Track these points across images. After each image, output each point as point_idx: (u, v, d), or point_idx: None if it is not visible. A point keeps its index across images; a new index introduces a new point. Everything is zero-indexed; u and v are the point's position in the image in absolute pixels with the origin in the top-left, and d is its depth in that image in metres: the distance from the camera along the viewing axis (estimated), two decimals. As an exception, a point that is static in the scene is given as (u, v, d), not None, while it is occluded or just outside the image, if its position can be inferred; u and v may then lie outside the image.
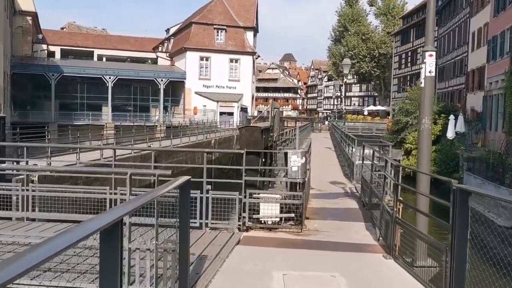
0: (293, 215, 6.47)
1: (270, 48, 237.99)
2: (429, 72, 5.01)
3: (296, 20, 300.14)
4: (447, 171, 29.46)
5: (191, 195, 6.63)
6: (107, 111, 47.11)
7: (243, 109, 54.27)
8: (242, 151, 6.26)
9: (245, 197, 6.52)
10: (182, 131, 27.89)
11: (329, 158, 19.81)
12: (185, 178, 3.43)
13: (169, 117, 50.18)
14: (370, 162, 8.41)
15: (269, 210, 6.38)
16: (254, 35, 56.48)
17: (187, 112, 51.72)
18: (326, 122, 65.78)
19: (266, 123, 8.22)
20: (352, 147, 14.67)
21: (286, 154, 6.31)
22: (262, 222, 6.53)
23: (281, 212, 6.46)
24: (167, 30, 67.42)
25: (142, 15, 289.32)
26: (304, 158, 6.21)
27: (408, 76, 57.10)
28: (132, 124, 35.33)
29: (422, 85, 5.08)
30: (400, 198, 6.15)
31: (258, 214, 6.49)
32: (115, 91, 48.04)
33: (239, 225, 6.49)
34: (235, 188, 6.59)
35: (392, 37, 64.47)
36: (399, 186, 5.22)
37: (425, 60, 5.04)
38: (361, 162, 11.98)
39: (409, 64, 58.34)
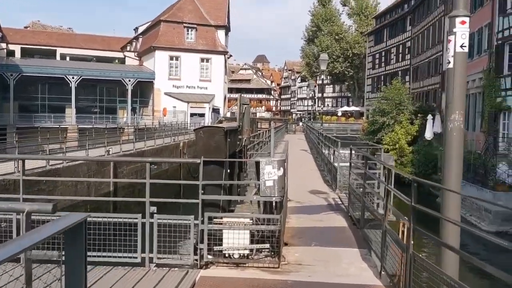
0: (267, 245, 4.86)
1: (243, 49, 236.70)
2: (461, 46, 3.48)
3: (269, 21, 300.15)
4: (426, 172, 28.52)
5: (129, 220, 5.04)
6: (70, 113, 44.68)
7: (215, 110, 52.58)
8: (198, 160, 4.66)
9: (203, 222, 4.87)
10: (150, 134, 26.14)
11: (307, 162, 18.20)
12: (72, 218, 1.83)
13: (137, 119, 48.11)
14: (360, 170, 6.95)
15: (236, 239, 4.76)
16: (226, 34, 54.88)
17: (157, 114, 49.72)
18: (301, 123, 64.72)
19: (233, 124, 6.67)
20: (334, 150, 13.12)
21: (258, 163, 4.74)
22: (227, 255, 4.86)
23: (252, 241, 4.84)
24: (136, 29, 65.14)
25: (111, 14, 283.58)
26: (281, 168, 4.72)
27: (382, 76, 56.52)
28: (98, 126, 33.41)
29: (450, 65, 3.52)
30: (406, 218, 4.65)
31: (221, 244, 4.85)
32: (79, 92, 45.77)
33: (195, 260, 4.80)
34: (190, 210, 4.98)
35: (366, 37, 63.94)
36: (415, 208, 3.68)
37: (454, 30, 3.48)
38: (347, 167, 10.55)
39: (382, 64, 57.79)
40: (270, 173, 4.50)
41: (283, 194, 4.77)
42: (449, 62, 3.49)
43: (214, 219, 4.90)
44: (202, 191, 4.81)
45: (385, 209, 4.78)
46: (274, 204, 4.83)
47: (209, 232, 4.80)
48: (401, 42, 52.16)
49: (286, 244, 5.74)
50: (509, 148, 22.13)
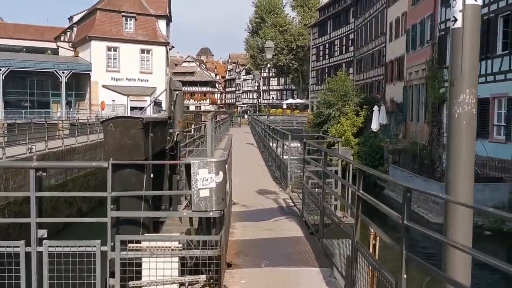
0: (203, 276, 3.61)
1: (186, 42, 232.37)
2: (474, -3, 2.38)
3: (213, 13, 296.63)
4: (373, 164, 28.34)
5: (6, 250, 3.62)
6: (-2, 107, 41.17)
7: (157, 104, 50.40)
8: (104, 164, 3.36)
9: (113, 248, 3.58)
10: (84, 129, 24.09)
11: (253, 157, 17.21)
12: None
13: (73, 113, 45.17)
14: (315, 168, 5.89)
15: (161, 269, 3.49)
16: (167, 25, 52.72)
17: (94, 108, 46.96)
18: (246, 116, 63.79)
19: (161, 114, 5.37)
20: (283, 144, 11.81)
21: (188, 166, 3.51)
22: (148, 292, 3.59)
23: (182, 272, 3.59)
24: (70, 18, 61.34)
25: (44, 3, 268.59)
26: (221, 172, 3.47)
27: (326, 69, 56.57)
28: (28, 121, 30.74)
29: (458, 24, 2.40)
30: (378, 229, 3.64)
31: (140, 278, 3.55)
32: (7, 85, 42.31)
33: (104, 301, 3.51)
34: (97, 233, 3.64)
35: (309, 29, 63.83)
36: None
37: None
38: (297, 162, 9.49)
39: (326, 57, 57.85)
40: (205, 179, 3.29)
41: (224, 207, 3.56)
42: (455, 20, 2.43)
43: (130, 244, 3.59)
44: (112, 206, 3.50)
45: (356, 220, 3.71)
46: (212, 220, 3.61)
47: (123, 261, 3.50)
48: (344, 34, 52.32)
49: (229, 266, 4.54)
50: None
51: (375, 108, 28.83)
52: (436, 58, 25.58)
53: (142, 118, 3.90)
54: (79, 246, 3.48)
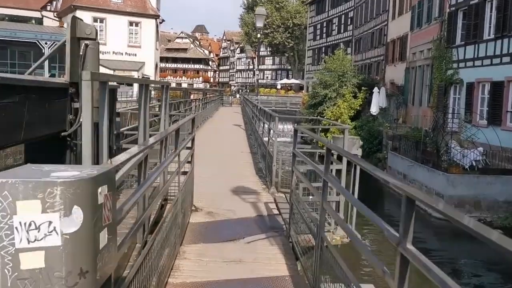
0: None
1: (180, 18, 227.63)
2: None
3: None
4: (370, 150, 26.40)
5: None
6: (-28, 79, 38.68)
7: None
8: None
9: None
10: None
11: (237, 141, 15.14)
12: None
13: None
14: (309, 166, 3.88)
15: None
16: (158, -4, 50.01)
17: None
18: (238, 95, 61.52)
19: (56, 80, 3.34)
20: (270, 129, 9.33)
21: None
22: None
23: None
24: (56, -13, 58.20)
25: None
26: (82, 210, 1.45)
27: (323, 48, 54.13)
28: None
29: None
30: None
31: None
32: (-15, 54, 39.66)
33: None
34: None
35: (307, 6, 61.10)
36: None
37: None
38: (287, 151, 7.43)
39: (324, 35, 55.37)
40: (34, 226, 1.40)
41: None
42: None
43: None
44: None
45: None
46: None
47: None
48: (343, 12, 49.81)
49: None
50: (461, 126, 20.16)
51: (375, 90, 26.75)
52: (444, 36, 23.42)
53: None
54: None
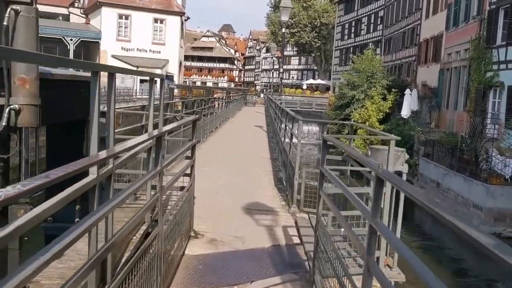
0: None
1: (208, 18, 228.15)
2: None
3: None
4: (400, 156, 24.99)
5: None
6: None
7: (169, 77, 47.54)
8: None
9: None
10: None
11: (257, 145, 13.79)
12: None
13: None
14: (340, 190, 2.77)
15: None
16: (184, -7, 49.55)
17: (103, 79, 44.26)
18: (262, 95, 60.47)
19: None
20: (291, 134, 7.88)
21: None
22: None
23: None
24: (84, -16, 58.44)
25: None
26: None
27: (351, 48, 52.56)
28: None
29: None
30: None
31: None
32: (10, 50, 39.86)
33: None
34: None
35: (335, 5, 59.57)
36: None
37: None
38: (309, 158, 6.29)
39: (352, 35, 53.80)
40: None
41: None
42: None
43: None
44: None
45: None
46: None
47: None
48: (373, 11, 48.16)
49: None
50: (502, 132, 18.59)
51: (407, 91, 25.25)
52: (484, 36, 21.81)
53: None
54: None
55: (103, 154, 2.30)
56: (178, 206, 3.64)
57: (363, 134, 24.67)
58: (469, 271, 13.54)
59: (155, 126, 4.21)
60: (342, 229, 3.44)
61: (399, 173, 4.21)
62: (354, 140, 14.94)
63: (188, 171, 4.16)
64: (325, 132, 3.30)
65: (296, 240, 5.04)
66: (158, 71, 45.66)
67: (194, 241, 4.67)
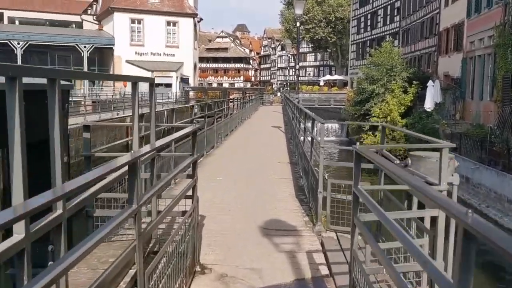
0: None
1: (222, 19, 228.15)
2: None
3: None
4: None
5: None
6: (15, 84, 39.10)
7: (184, 80, 47.23)
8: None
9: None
10: (105, 106, 21.48)
11: (275, 148, 12.73)
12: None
13: (96, 90, 42.72)
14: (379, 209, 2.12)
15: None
16: (196, -5, 49.13)
17: (118, 84, 44.20)
18: (279, 94, 59.66)
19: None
20: (312, 138, 6.85)
21: None
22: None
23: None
24: (97, -10, 58.57)
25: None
26: None
27: (368, 41, 51.32)
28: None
29: None
30: None
31: None
32: (27, 59, 40.14)
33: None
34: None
35: (350, -1, 58.39)
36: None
37: None
38: (332, 161, 5.55)
39: (368, 28, 52.54)
40: None
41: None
42: None
43: None
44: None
45: None
46: None
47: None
48: (389, 2, 46.88)
49: None
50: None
51: (429, 83, 24.17)
52: (509, 21, 20.63)
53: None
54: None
55: (69, 185, 1.70)
56: (177, 237, 2.95)
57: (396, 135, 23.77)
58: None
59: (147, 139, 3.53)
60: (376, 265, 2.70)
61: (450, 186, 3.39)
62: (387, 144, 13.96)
63: (189, 193, 3.43)
64: (356, 144, 2.53)
65: (324, 270, 4.21)
66: (173, 74, 45.39)
67: (200, 279, 3.89)
